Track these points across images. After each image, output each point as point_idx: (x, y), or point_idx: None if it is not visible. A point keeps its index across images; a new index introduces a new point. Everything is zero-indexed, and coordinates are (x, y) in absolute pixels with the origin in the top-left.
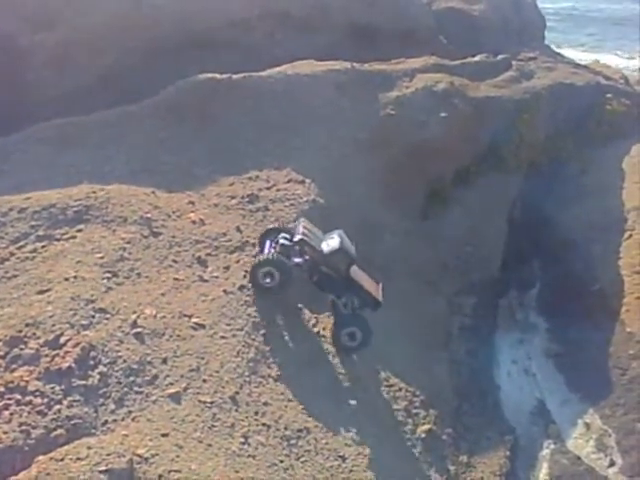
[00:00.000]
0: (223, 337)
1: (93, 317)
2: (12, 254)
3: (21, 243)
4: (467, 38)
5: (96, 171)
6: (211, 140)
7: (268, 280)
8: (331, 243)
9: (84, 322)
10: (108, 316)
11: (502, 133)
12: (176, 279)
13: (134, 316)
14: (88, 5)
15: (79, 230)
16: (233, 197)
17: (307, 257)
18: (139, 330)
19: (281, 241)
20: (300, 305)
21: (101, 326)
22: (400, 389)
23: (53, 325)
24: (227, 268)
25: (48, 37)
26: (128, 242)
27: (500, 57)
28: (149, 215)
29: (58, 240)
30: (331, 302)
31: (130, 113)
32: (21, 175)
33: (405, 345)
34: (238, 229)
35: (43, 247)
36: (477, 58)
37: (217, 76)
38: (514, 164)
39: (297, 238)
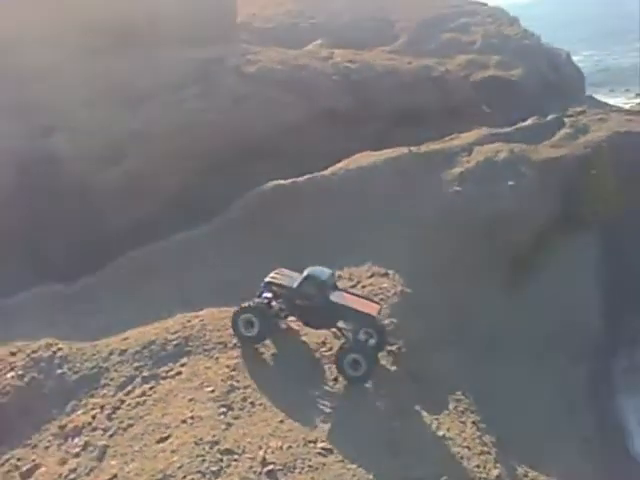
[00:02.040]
0: (354, 461)
1: (221, 460)
2: (122, 401)
3: (128, 388)
4: (509, 103)
5: (179, 297)
6: (286, 247)
7: (249, 328)
8: (299, 277)
9: (214, 468)
10: (236, 457)
11: (572, 192)
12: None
13: (261, 452)
14: (149, 138)
15: (183, 364)
16: None
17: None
18: (270, 468)
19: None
20: (417, 407)
21: (232, 469)
22: None
23: (184, 477)
24: (336, 380)
25: (114, 171)
26: (234, 369)
27: (551, 117)
28: None
29: (164, 379)
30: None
31: (202, 234)
32: (110, 313)
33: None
34: (336, 336)
35: (151, 389)
36: (529, 122)
37: (282, 182)
38: (590, 220)
39: (264, 282)
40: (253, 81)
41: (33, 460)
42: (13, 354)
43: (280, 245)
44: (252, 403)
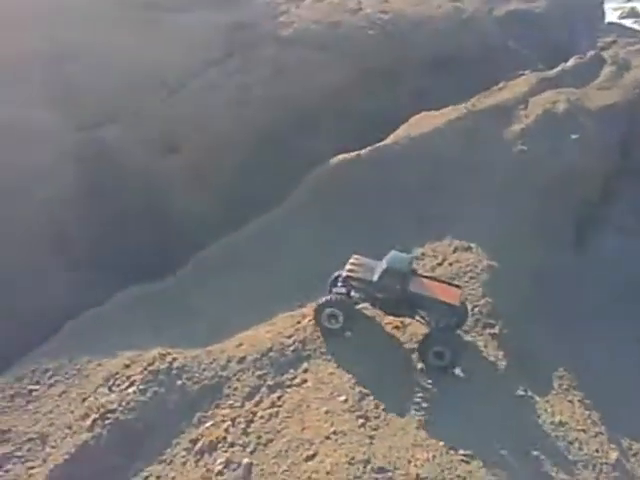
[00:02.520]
0: (494, 465)
1: None
2: (253, 413)
3: (256, 398)
4: (535, 38)
5: (271, 290)
6: (360, 226)
7: (333, 322)
8: (378, 269)
9: None
10: (390, 474)
11: (629, 139)
12: (417, 402)
13: (412, 467)
14: (201, 121)
15: (305, 370)
16: None
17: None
18: None
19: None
20: (529, 392)
21: None
22: None
23: None
24: (453, 375)
25: (176, 160)
26: (356, 373)
27: (590, 54)
28: None
29: (290, 387)
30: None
31: (275, 220)
32: (208, 313)
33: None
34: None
35: (279, 398)
36: (571, 62)
37: (346, 157)
38: None
39: (343, 277)
40: (291, 46)
41: (173, 478)
42: (127, 366)
43: (356, 224)
44: (385, 410)
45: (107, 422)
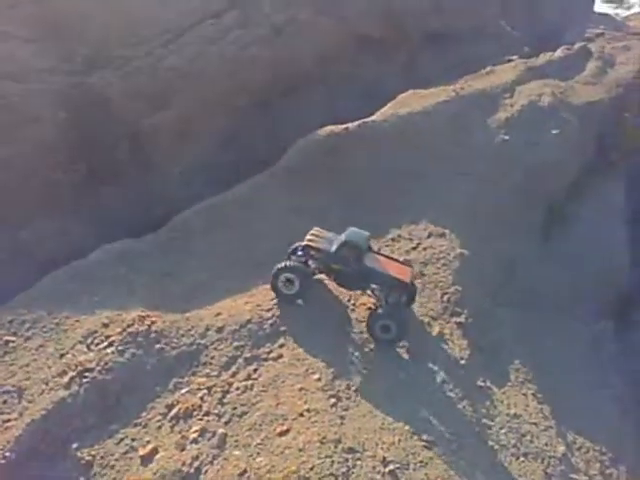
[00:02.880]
0: (454, 453)
1: (347, 460)
2: (229, 384)
3: (232, 369)
4: (527, 19)
5: (251, 257)
6: (341, 199)
7: (289, 287)
8: (336, 242)
9: (343, 469)
10: (358, 456)
11: (605, 136)
12: (385, 386)
13: (380, 451)
14: (196, 76)
15: (281, 345)
16: None
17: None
18: (391, 467)
19: (298, 253)
20: (488, 383)
21: (357, 470)
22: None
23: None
24: (419, 360)
25: (166, 115)
26: (330, 352)
27: (578, 46)
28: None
29: (266, 360)
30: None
31: (261, 185)
32: (187, 275)
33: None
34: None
35: (255, 371)
36: (559, 53)
37: (334, 129)
38: (623, 168)
39: (302, 245)
40: (288, 5)
41: (148, 441)
42: (106, 326)
43: (337, 197)
44: (356, 391)
45: (84, 381)
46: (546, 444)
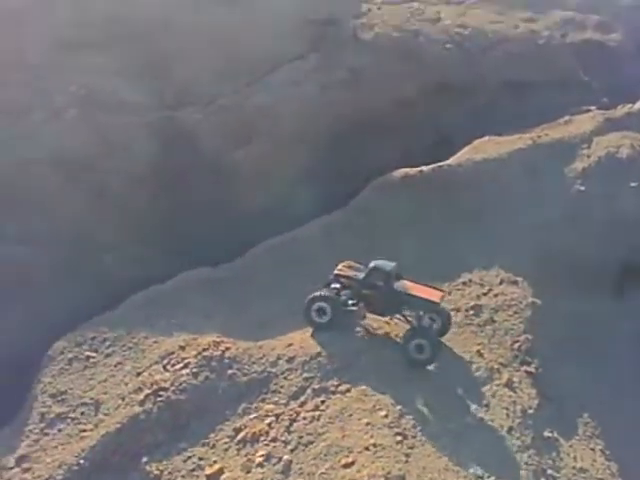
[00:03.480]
0: None
1: None
2: (297, 413)
3: (301, 399)
4: (605, 70)
5: None
6: (413, 241)
7: (321, 316)
8: (364, 269)
9: None
10: None
11: None
12: (451, 428)
13: None
14: (279, 116)
15: (349, 380)
16: (457, 310)
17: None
18: None
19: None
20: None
21: None
22: None
23: None
24: (487, 406)
25: (248, 152)
26: (398, 392)
27: None
28: None
29: (334, 393)
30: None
31: (333, 223)
32: (261, 306)
33: None
34: (479, 354)
35: (323, 403)
36: (639, 105)
37: (409, 171)
38: None
39: (332, 275)
40: (369, 50)
41: (214, 461)
42: (182, 348)
43: (408, 239)
44: (421, 430)
45: (159, 399)
46: None
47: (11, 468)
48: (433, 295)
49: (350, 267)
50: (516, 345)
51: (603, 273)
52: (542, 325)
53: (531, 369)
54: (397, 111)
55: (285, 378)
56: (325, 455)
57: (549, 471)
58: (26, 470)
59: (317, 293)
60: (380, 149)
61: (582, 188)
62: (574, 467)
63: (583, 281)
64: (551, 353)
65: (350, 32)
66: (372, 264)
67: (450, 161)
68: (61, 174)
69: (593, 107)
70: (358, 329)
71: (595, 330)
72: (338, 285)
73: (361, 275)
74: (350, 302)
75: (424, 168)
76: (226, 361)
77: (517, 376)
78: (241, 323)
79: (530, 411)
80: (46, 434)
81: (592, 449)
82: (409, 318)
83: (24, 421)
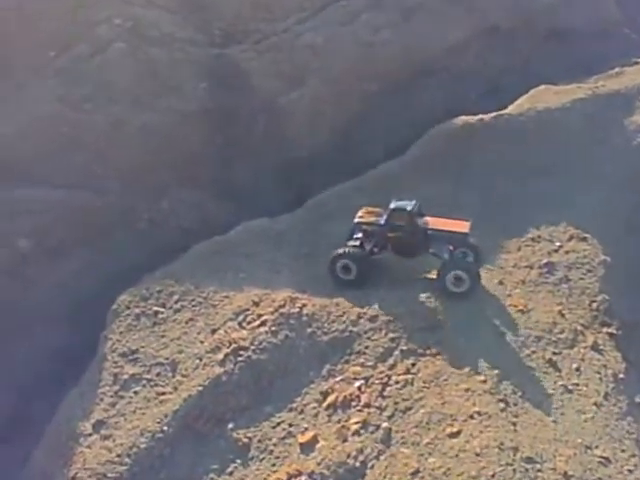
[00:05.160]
0: (631, 471)
1: (527, 471)
2: (388, 377)
3: (390, 361)
4: None
5: None
6: (475, 193)
7: (346, 273)
8: (384, 212)
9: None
10: (538, 466)
11: None
12: (549, 394)
13: (559, 463)
14: (331, 56)
15: (439, 341)
16: (530, 267)
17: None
18: None
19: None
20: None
21: None
22: None
23: None
24: (578, 370)
25: (302, 94)
26: (485, 350)
27: None
28: None
29: (423, 355)
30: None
31: (392, 171)
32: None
33: None
34: (561, 314)
35: (413, 365)
36: None
37: (469, 119)
38: None
39: (353, 224)
40: None
41: (306, 428)
42: (256, 304)
43: (469, 189)
44: (522, 396)
45: (239, 359)
46: None
47: (90, 435)
48: (460, 227)
49: (371, 213)
50: (594, 305)
51: None
52: (616, 285)
53: (612, 330)
54: (446, 55)
55: (369, 338)
56: (427, 423)
57: None
58: (106, 437)
59: (340, 250)
60: (429, 96)
61: None
62: None
63: None
64: (628, 314)
65: None
66: (392, 205)
67: (510, 109)
68: (109, 114)
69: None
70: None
71: None
72: (360, 234)
73: (382, 219)
74: (375, 249)
75: (484, 116)
76: (304, 319)
77: (600, 338)
78: (311, 277)
79: (620, 375)
80: (121, 397)
81: None
82: (439, 254)
83: (95, 382)
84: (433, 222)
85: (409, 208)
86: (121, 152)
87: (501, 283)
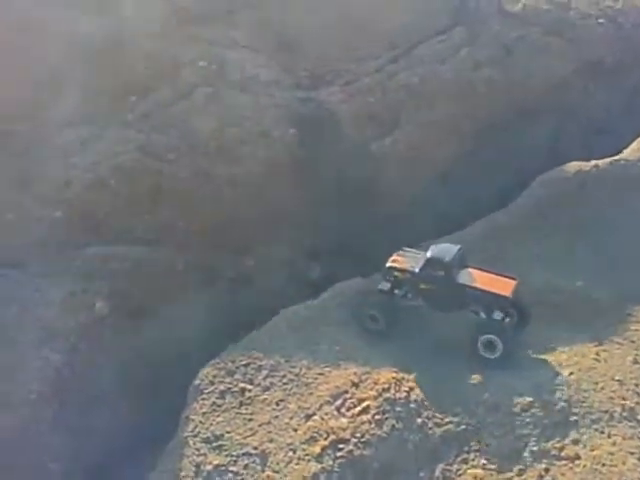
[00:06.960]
0: None
1: None
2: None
3: (519, 465)
4: None
5: None
6: (592, 249)
7: (374, 323)
8: (421, 259)
9: None
10: None
11: None
12: None
13: None
14: (429, 97)
15: (575, 441)
16: None
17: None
18: None
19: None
20: None
21: None
22: None
23: None
24: None
25: (397, 139)
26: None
27: None
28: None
29: (558, 459)
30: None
31: (499, 223)
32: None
33: None
34: None
35: (547, 471)
36: None
37: (582, 165)
38: None
39: (385, 268)
40: (519, 23)
41: None
42: (355, 385)
43: (584, 244)
44: None
45: (339, 454)
46: None
47: None
48: (503, 288)
49: (405, 257)
50: None
51: None
52: None
53: None
54: (549, 92)
55: (491, 434)
56: None
57: None
58: None
59: (367, 299)
60: (531, 137)
61: None
62: None
63: None
64: None
65: (495, 4)
66: (429, 253)
67: (627, 154)
68: (192, 163)
69: None
70: None
71: None
72: (391, 280)
73: (417, 267)
74: (407, 297)
75: (599, 162)
76: (412, 405)
77: None
78: (416, 350)
79: None
80: None
81: None
82: (478, 313)
83: (175, 471)
84: (475, 277)
85: (447, 259)
86: (205, 205)
87: (636, 362)
